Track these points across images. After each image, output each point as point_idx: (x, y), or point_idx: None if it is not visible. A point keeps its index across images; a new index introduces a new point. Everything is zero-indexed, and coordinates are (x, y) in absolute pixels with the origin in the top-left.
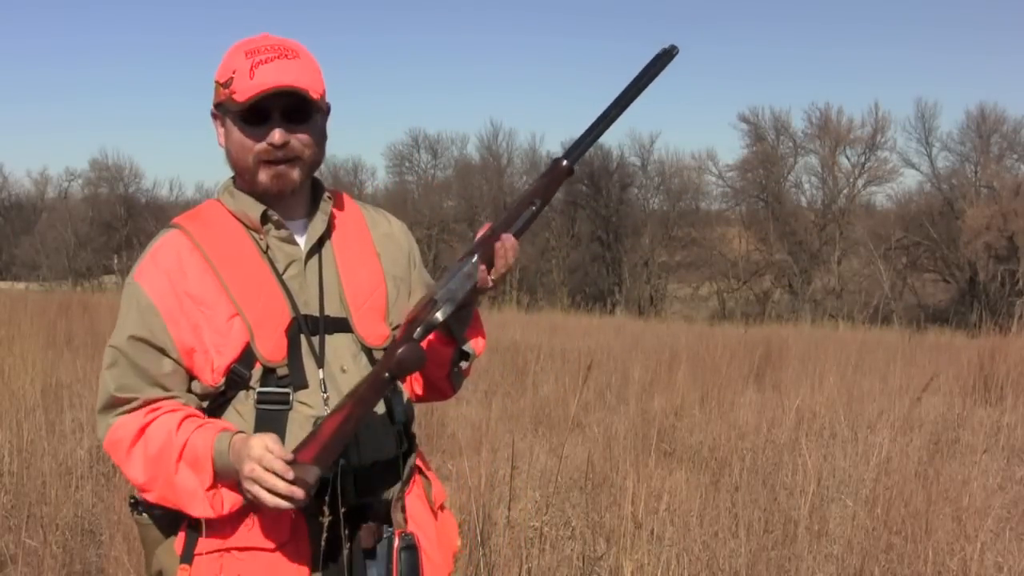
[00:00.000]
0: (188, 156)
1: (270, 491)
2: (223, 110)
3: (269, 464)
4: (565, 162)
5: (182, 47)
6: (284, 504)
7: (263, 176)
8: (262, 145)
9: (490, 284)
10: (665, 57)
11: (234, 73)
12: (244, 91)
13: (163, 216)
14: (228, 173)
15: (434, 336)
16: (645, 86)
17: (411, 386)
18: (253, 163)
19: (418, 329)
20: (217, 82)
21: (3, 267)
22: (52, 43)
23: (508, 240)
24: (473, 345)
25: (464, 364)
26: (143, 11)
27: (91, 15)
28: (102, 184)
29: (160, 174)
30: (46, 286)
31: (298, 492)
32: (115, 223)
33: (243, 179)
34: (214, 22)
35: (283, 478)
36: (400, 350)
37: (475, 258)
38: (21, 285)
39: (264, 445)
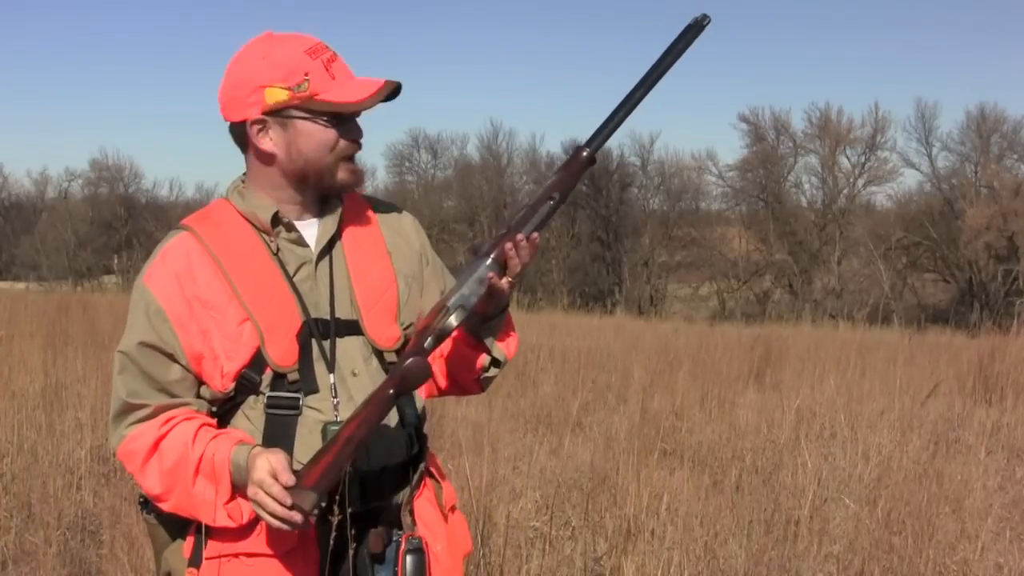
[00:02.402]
0: (188, 156)
1: (271, 514)
2: (291, 113)
3: (268, 489)
4: (586, 151)
5: (182, 47)
6: (283, 527)
7: (343, 174)
8: (351, 144)
9: (506, 288)
10: (695, 29)
11: (307, 74)
12: (346, 94)
13: (163, 216)
14: (232, 174)
15: (462, 339)
16: (674, 61)
17: (434, 380)
18: (333, 161)
19: (429, 339)
20: (279, 86)
21: (3, 267)
22: (52, 43)
23: (522, 239)
24: (504, 348)
25: (496, 371)
26: (143, 11)
27: (91, 15)
28: (102, 184)
29: (160, 174)
30: (46, 286)
31: (295, 517)
32: (115, 223)
33: (312, 179)
34: (214, 22)
35: (282, 504)
36: (405, 364)
37: (489, 260)
38: (21, 285)
39: (268, 468)
